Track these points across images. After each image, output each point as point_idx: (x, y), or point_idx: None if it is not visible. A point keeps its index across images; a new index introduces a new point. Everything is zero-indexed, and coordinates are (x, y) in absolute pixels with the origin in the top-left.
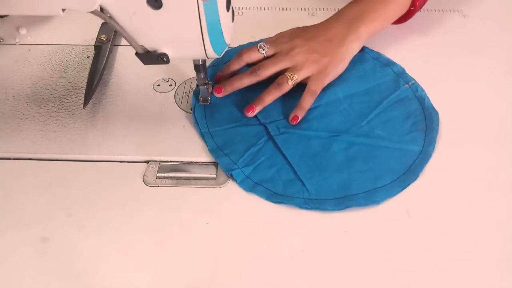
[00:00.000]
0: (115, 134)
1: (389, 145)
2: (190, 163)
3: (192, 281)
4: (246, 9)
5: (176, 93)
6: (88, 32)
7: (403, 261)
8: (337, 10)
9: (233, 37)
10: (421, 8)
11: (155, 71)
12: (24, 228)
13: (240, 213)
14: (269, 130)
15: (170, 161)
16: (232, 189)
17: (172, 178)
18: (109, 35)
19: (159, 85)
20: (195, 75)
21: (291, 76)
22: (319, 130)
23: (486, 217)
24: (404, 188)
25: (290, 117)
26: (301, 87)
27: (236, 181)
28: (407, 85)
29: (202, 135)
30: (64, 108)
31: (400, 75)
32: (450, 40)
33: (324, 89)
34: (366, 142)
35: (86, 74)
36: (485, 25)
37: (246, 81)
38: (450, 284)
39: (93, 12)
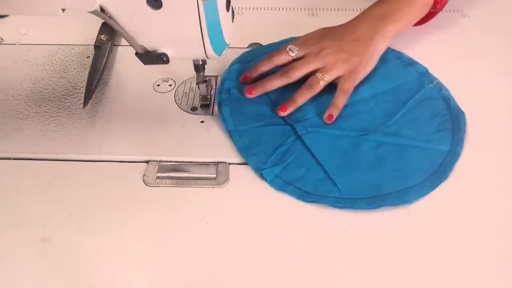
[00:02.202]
0: (115, 134)
1: (418, 144)
2: (190, 163)
3: (192, 281)
4: (246, 9)
5: (176, 93)
6: (88, 32)
7: (404, 261)
8: (337, 10)
9: (233, 37)
10: (441, 10)
11: (155, 71)
12: (24, 228)
13: (240, 213)
14: (297, 129)
15: (170, 161)
16: (232, 189)
17: (172, 178)
18: (109, 35)
19: (159, 85)
20: (195, 75)
21: (322, 77)
22: (347, 129)
23: None
24: (435, 188)
25: (325, 116)
26: (328, 87)
27: (266, 180)
28: (431, 85)
29: (230, 133)
30: (64, 108)
31: (424, 75)
32: (450, 40)
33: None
34: (395, 142)
35: (86, 74)
36: (485, 25)
37: (277, 82)
38: (451, 285)
39: (93, 12)
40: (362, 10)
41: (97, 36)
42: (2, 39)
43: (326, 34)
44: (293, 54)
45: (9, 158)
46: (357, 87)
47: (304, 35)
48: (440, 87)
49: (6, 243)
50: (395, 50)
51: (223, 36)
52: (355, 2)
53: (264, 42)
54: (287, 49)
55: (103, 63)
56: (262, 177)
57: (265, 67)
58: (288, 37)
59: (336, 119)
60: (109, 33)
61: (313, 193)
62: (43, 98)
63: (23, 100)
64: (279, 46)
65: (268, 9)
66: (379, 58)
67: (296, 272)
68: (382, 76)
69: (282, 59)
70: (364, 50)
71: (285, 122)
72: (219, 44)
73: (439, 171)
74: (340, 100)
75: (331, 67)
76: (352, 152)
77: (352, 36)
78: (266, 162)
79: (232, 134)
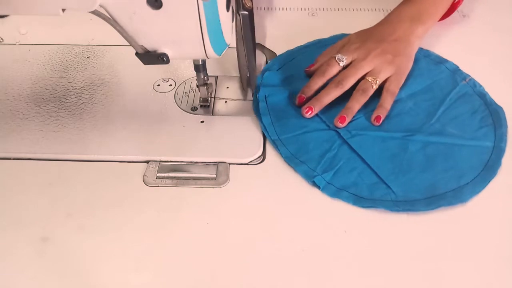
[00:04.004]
0: (115, 134)
1: (464, 142)
2: (190, 163)
3: (192, 281)
4: None
5: (176, 93)
6: (88, 32)
7: (405, 261)
8: (337, 10)
9: (233, 37)
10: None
11: (155, 71)
12: (24, 228)
13: (240, 213)
14: (341, 134)
15: (170, 161)
16: (232, 189)
17: (172, 178)
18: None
19: (159, 85)
20: (195, 75)
21: (374, 80)
22: (391, 130)
23: None
24: (487, 184)
25: (373, 117)
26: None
27: (319, 188)
28: (464, 82)
29: (274, 143)
30: (64, 108)
31: (455, 72)
32: (450, 40)
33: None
34: (441, 141)
35: (86, 74)
36: (485, 25)
37: (333, 94)
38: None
39: (93, 12)
40: (362, 10)
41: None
42: (2, 39)
43: (366, 37)
44: (343, 64)
45: (9, 158)
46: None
47: (340, 41)
48: (474, 83)
49: (6, 243)
50: (422, 49)
51: (223, 36)
52: (355, 2)
53: (264, 42)
54: (336, 59)
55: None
56: (315, 184)
57: (319, 82)
58: (288, 37)
59: (381, 122)
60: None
61: (369, 198)
62: (43, 98)
63: (23, 100)
64: (306, 50)
65: (268, 9)
66: (423, 68)
67: (296, 272)
68: (416, 75)
69: (334, 70)
70: (404, 51)
71: (327, 127)
72: (219, 44)
73: (488, 168)
74: (388, 101)
75: (379, 69)
76: (401, 153)
77: (392, 37)
78: (315, 169)
79: (277, 143)
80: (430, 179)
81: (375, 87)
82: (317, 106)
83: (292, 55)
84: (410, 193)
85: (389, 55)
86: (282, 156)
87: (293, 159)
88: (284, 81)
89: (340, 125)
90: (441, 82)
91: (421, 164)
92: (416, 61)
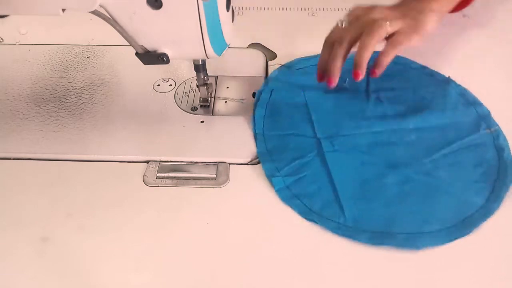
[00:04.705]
0: (115, 134)
1: (449, 190)
2: (190, 163)
3: (192, 281)
4: (246, 9)
5: (176, 93)
6: (88, 32)
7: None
8: (337, 10)
9: (233, 37)
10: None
11: (155, 71)
12: (24, 228)
13: (240, 213)
14: (322, 145)
15: (170, 161)
16: (232, 189)
17: (172, 178)
18: None
19: (159, 85)
20: (195, 75)
21: (383, 23)
22: (376, 157)
23: None
24: (451, 240)
25: (369, 70)
26: (380, 107)
27: (274, 188)
28: (488, 130)
29: (255, 136)
30: (64, 108)
31: (484, 118)
32: (450, 40)
33: (394, 115)
34: (425, 181)
35: (86, 74)
36: (485, 25)
37: (339, 54)
38: None
39: (93, 12)
40: None
41: None
42: (2, 39)
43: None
44: (391, 29)
45: (9, 158)
46: (403, 115)
47: (357, 10)
48: (497, 135)
49: (6, 243)
50: (460, 85)
51: (223, 36)
52: (355, 3)
53: (264, 42)
54: (337, 23)
55: None
56: (272, 184)
57: (327, 54)
58: (288, 37)
59: (370, 144)
60: None
61: (317, 213)
62: (43, 98)
63: (23, 100)
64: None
65: (268, 9)
66: (440, 91)
67: (296, 272)
68: (437, 109)
69: (336, 34)
70: (419, 17)
71: (314, 135)
72: (219, 44)
73: (463, 225)
74: (388, 55)
75: (391, 18)
76: (374, 181)
77: (405, 7)
78: (280, 170)
79: (258, 137)
80: (391, 215)
81: (389, 29)
82: (334, 76)
83: (314, 61)
84: (361, 222)
85: (397, 13)
86: (256, 151)
87: (264, 155)
88: (298, 81)
89: (358, 79)
90: (460, 125)
91: (389, 197)
92: (446, 95)
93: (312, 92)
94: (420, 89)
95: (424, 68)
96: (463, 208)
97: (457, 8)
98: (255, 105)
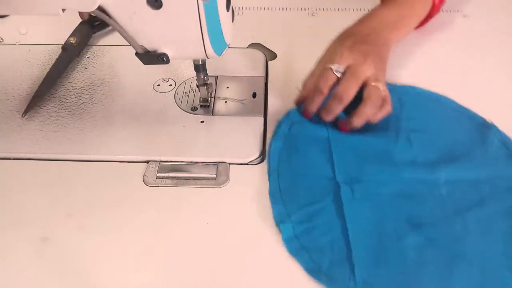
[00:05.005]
0: (115, 134)
1: (477, 262)
2: (190, 163)
3: (192, 281)
4: (246, 9)
5: (176, 93)
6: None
7: None
8: (337, 10)
9: (233, 37)
10: (439, 9)
11: (155, 71)
12: (24, 228)
13: (240, 213)
14: (341, 192)
15: (170, 161)
16: (232, 189)
17: (172, 178)
18: (81, 39)
19: (159, 85)
20: (195, 75)
21: (383, 87)
22: (399, 210)
23: None
24: None
25: (343, 123)
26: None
27: (282, 236)
28: None
29: (269, 172)
30: (64, 108)
31: None
32: (450, 40)
33: (425, 163)
34: (450, 247)
35: (86, 74)
36: (485, 25)
37: (336, 111)
38: None
39: (93, 12)
40: (362, 10)
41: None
42: (2, 39)
43: (352, 40)
44: (340, 74)
45: (9, 158)
46: (436, 165)
47: (327, 51)
48: None
49: (6, 243)
50: (503, 132)
51: (223, 36)
52: (355, 2)
53: (264, 42)
54: (334, 70)
55: (63, 69)
56: (279, 229)
57: (318, 101)
58: (288, 37)
59: (394, 195)
60: (82, 36)
61: (325, 272)
62: (43, 98)
63: (23, 100)
64: None
65: (268, 9)
66: (479, 138)
67: (295, 272)
68: (475, 160)
69: (331, 83)
70: (386, 55)
71: (334, 177)
72: (219, 44)
73: None
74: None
75: (377, 72)
76: (392, 240)
77: (379, 42)
78: (291, 215)
79: (271, 173)
80: (406, 285)
81: (385, 93)
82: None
83: None
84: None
85: (378, 58)
86: (268, 189)
87: (276, 195)
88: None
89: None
90: (499, 182)
91: (407, 263)
92: (486, 143)
93: (337, 127)
94: (456, 133)
95: (463, 109)
96: (492, 285)
97: (423, 23)
98: (273, 137)
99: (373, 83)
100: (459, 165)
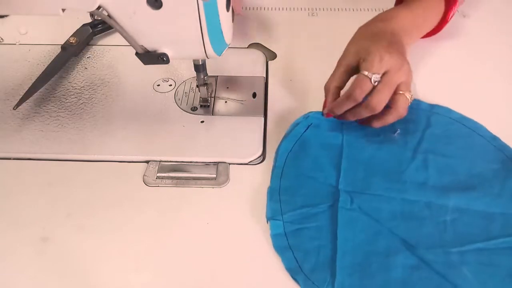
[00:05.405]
0: (115, 134)
1: None
2: (190, 163)
3: (192, 281)
4: (246, 9)
5: (176, 93)
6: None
7: None
8: (337, 10)
9: (233, 37)
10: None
11: (155, 71)
12: (24, 228)
13: (240, 213)
14: (340, 199)
15: (170, 161)
16: (232, 189)
17: (172, 178)
18: (79, 39)
19: (159, 85)
20: (195, 75)
21: (412, 97)
22: (396, 230)
23: None
24: None
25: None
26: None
27: (270, 233)
28: None
29: (273, 169)
30: (64, 108)
31: None
32: (450, 40)
33: (435, 186)
34: (442, 274)
35: (86, 74)
36: (485, 26)
37: (363, 116)
38: None
39: (93, 12)
40: (362, 10)
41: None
42: (2, 39)
43: (376, 41)
44: (377, 83)
45: (9, 158)
46: (446, 189)
47: (350, 53)
48: None
49: (6, 243)
50: None
51: (223, 36)
52: (355, 2)
53: (264, 42)
54: (372, 81)
55: (60, 66)
56: (269, 225)
57: (349, 105)
58: (288, 37)
59: (396, 212)
60: (83, 37)
61: (305, 274)
62: (43, 98)
63: (23, 100)
64: None
65: (268, 9)
66: (501, 167)
67: None
68: (491, 193)
69: (365, 91)
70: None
71: (336, 184)
72: (219, 44)
73: None
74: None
75: (408, 84)
76: (381, 257)
77: (395, 46)
78: (284, 214)
79: (275, 170)
80: None
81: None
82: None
83: None
84: None
85: (407, 62)
86: (269, 186)
87: (274, 193)
88: (340, 124)
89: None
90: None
91: (391, 281)
92: (507, 179)
93: (352, 135)
94: (479, 163)
95: (494, 139)
96: None
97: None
98: (285, 136)
99: (401, 92)
100: (472, 194)
